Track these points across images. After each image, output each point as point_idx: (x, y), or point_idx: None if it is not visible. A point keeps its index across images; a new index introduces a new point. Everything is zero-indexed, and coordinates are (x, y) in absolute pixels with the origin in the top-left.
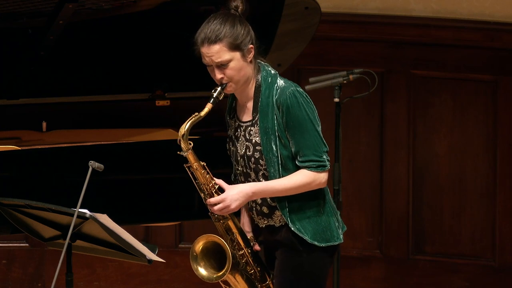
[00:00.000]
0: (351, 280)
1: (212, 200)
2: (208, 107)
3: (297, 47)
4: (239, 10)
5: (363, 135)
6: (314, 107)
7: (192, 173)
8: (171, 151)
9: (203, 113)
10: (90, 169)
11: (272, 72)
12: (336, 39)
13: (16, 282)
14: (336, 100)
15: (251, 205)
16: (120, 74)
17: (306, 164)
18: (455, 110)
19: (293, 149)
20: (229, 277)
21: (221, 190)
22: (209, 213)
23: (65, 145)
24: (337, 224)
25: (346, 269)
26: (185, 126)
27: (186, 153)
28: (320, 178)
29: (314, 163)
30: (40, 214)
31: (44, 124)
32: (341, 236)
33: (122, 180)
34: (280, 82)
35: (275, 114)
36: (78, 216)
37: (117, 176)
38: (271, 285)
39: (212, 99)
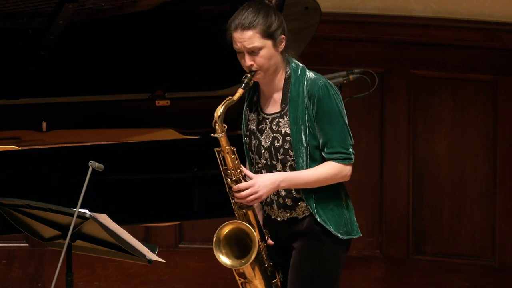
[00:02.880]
0: (351, 280)
1: (241, 185)
2: (240, 92)
3: (297, 47)
4: (273, 1)
5: (363, 135)
6: (343, 102)
7: (222, 158)
8: (171, 151)
9: (235, 97)
10: (90, 169)
11: (301, 65)
12: (336, 39)
13: (16, 282)
14: None
15: (272, 199)
16: (120, 74)
17: (334, 156)
18: (455, 110)
19: (321, 140)
20: (248, 267)
21: (247, 178)
22: (232, 201)
23: (65, 145)
24: (355, 218)
25: (346, 269)
26: (220, 109)
27: (220, 135)
28: (346, 170)
29: (341, 155)
30: (40, 214)
31: (44, 124)
32: (359, 231)
33: (122, 180)
34: (310, 74)
35: (306, 104)
36: (78, 216)
37: (117, 176)
38: (279, 283)
39: (243, 85)
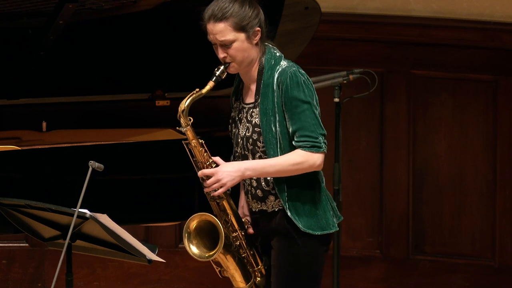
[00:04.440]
0: (351, 280)
1: (205, 171)
2: (210, 85)
3: (297, 47)
4: None
5: (363, 135)
6: (315, 91)
7: (190, 150)
8: (171, 151)
9: (204, 90)
10: (90, 169)
11: (277, 54)
12: (336, 39)
13: (16, 282)
14: (336, 100)
15: (247, 188)
16: (120, 74)
17: (300, 143)
18: (455, 110)
19: (290, 130)
20: (220, 257)
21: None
22: (205, 193)
23: (65, 145)
24: (331, 212)
25: (346, 269)
26: (185, 102)
27: (185, 129)
28: (313, 158)
29: (308, 142)
30: (40, 214)
31: (44, 124)
32: (336, 225)
33: (122, 180)
34: (283, 63)
35: (275, 94)
36: (78, 216)
37: (117, 176)
38: (262, 270)
39: (214, 77)
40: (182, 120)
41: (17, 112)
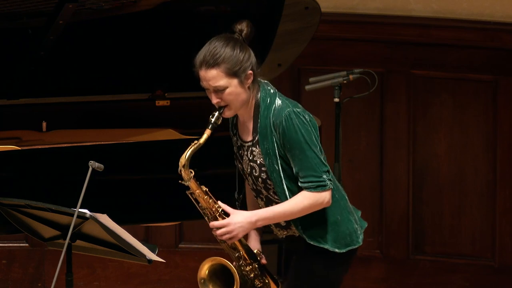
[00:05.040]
0: (351, 280)
1: (215, 223)
2: (207, 133)
3: (297, 47)
4: (243, 34)
5: (363, 135)
6: (312, 127)
7: (195, 200)
8: (171, 151)
9: (202, 140)
10: (90, 169)
11: (271, 91)
12: (336, 39)
13: (16, 282)
14: (336, 100)
15: None
16: (120, 74)
17: (306, 185)
18: (455, 110)
19: (294, 170)
20: None
21: (226, 214)
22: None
23: (65, 145)
24: (356, 226)
25: None
26: (185, 156)
27: (188, 183)
28: (321, 198)
29: (313, 183)
30: (40, 214)
31: (44, 124)
32: (361, 238)
33: (122, 180)
34: (278, 102)
35: (274, 136)
36: (78, 216)
37: (117, 176)
38: None
39: (210, 125)
40: (184, 174)
41: (17, 112)
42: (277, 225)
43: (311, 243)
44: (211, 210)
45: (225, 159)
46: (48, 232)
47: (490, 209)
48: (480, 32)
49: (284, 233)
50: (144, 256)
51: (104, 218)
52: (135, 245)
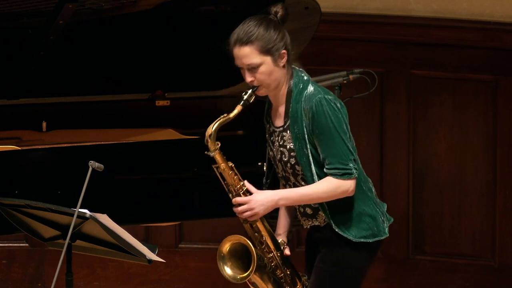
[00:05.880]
0: None
1: (238, 199)
2: (238, 109)
3: (297, 47)
4: (278, 15)
5: (363, 135)
6: (343, 114)
7: (220, 174)
8: (171, 151)
9: (232, 114)
10: (90, 169)
11: (305, 78)
12: (336, 39)
13: (16, 282)
14: None
15: (295, 207)
16: (120, 74)
17: (332, 171)
18: (455, 110)
19: (321, 156)
20: (256, 279)
21: (249, 193)
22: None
23: (65, 145)
24: (382, 218)
25: None
26: (213, 127)
27: (213, 153)
28: (345, 185)
29: (339, 170)
30: (40, 214)
31: (44, 124)
32: (387, 230)
33: (122, 180)
34: (310, 88)
35: (304, 121)
36: (78, 216)
37: (117, 176)
38: None
39: (242, 101)
40: (210, 145)
41: (17, 112)
42: (304, 214)
43: (336, 230)
44: (235, 187)
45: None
46: (48, 232)
47: (490, 209)
48: (480, 32)
49: (309, 223)
50: (144, 256)
51: (104, 218)
52: (135, 245)
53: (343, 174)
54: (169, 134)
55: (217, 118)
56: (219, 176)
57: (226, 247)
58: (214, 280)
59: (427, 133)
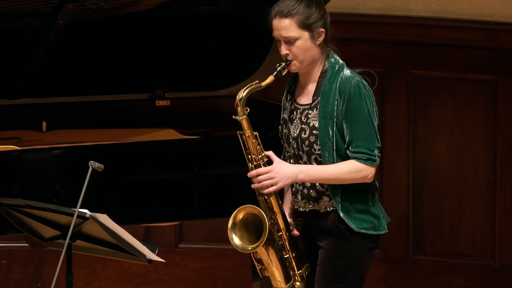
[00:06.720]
0: None
1: (260, 169)
2: (270, 79)
3: None
4: None
5: None
6: (375, 103)
7: (243, 142)
8: (171, 151)
9: (264, 83)
10: (90, 169)
11: (341, 61)
12: (336, 39)
13: (16, 282)
14: None
15: (297, 189)
16: (120, 74)
17: (357, 155)
18: (455, 110)
19: (347, 138)
20: (262, 252)
21: (270, 164)
22: (254, 188)
23: (65, 145)
24: (382, 214)
25: None
26: (244, 91)
27: (241, 118)
28: (367, 171)
29: (365, 155)
30: (40, 214)
31: (44, 124)
32: (385, 226)
33: (122, 180)
34: (347, 71)
35: (336, 100)
36: (78, 216)
37: (117, 176)
38: (304, 275)
39: (275, 72)
40: (239, 109)
41: (17, 112)
42: (307, 196)
43: (342, 215)
44: (257, 157)
45: (225, 159)
46: (48, 232)
47: (490, 209)
48: (480, 32)
49: (310, 206)
50: (144, 256)
51: (104, 218)
52: (135, 245)
53: (368, 159)
54: (169, 134)
55: (248, 84)
56: (242, 144)
57: (239, 216)
58: (214, 280)
59: (427, 133)
